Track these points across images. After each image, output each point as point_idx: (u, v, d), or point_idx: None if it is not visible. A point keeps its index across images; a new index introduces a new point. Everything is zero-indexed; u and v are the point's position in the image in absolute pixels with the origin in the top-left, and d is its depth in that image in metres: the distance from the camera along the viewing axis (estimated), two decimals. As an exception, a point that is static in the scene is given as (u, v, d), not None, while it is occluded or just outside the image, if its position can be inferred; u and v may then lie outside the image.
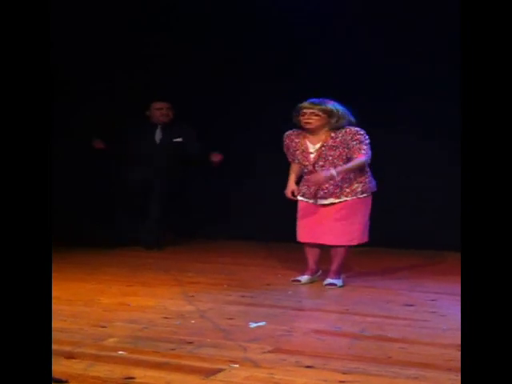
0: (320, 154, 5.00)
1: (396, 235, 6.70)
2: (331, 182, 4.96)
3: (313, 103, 4.98)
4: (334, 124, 4.96)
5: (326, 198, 5.05)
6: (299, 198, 5.17)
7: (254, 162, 7.37)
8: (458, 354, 3.24)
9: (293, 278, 5.20)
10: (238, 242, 7.38)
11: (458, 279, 5.49)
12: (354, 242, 5.08)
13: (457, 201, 7.11)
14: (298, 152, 5.11)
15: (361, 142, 4.94)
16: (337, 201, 5.03)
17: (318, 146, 5.02)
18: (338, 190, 5.01)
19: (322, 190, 5.03)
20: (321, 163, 5.01)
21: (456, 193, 6.76)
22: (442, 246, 6.80)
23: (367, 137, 4.99)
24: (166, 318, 3.97)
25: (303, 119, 4.98)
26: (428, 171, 7.03)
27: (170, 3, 7.44)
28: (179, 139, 6.88)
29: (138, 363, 3.05)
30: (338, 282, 5.08)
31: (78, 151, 7.01)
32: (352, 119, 5.04)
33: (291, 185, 5.20)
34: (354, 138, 4.95)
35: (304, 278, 5.17)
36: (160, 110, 6.86)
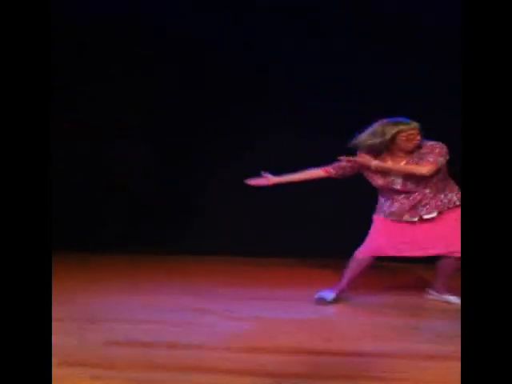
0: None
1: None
2: (429, 195, 4.69)
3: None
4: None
5: (430, 213, 4.71)
6: (378, 216, 4.82)
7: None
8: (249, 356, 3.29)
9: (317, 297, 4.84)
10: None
11: (250, 284, 5.52)
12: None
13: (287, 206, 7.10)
14: (378, 174, 4.72)
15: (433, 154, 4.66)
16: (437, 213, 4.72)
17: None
18: (439, 203, 4.71)
19: (422, 205, 4.71)
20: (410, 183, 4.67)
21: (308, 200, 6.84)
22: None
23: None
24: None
25: (415, 139, 4.63)
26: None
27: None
28: None
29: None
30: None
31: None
32: None
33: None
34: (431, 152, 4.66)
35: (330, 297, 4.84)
36: None
